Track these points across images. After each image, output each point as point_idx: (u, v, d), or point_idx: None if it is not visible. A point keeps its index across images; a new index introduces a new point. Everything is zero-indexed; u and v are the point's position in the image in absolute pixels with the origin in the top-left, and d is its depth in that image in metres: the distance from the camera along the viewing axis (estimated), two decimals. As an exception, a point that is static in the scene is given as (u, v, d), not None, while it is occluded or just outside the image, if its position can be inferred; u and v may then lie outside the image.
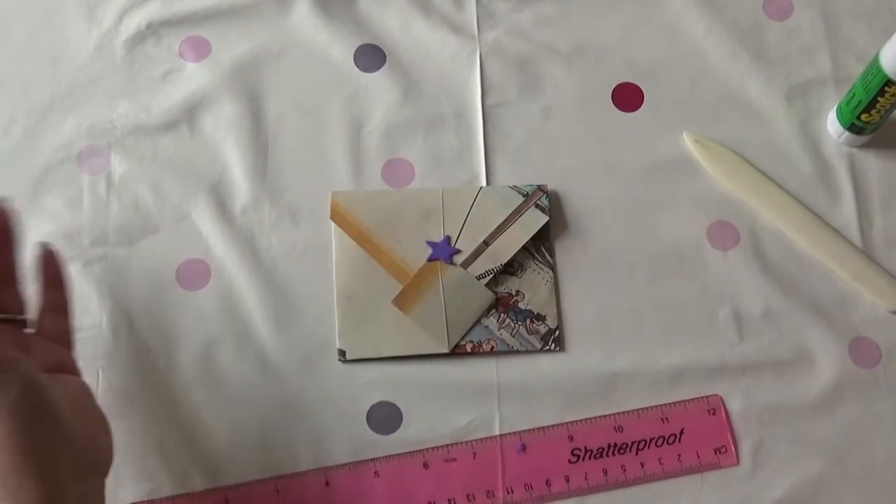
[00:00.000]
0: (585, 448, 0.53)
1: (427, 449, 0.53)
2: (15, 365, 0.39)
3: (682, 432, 0.53)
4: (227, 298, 0.56)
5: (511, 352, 0.55)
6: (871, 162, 0.60)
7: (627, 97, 0.62)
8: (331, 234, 0.57)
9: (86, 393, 0.45)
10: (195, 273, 0.56)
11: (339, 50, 0.62)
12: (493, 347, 0.54)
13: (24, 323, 0.44)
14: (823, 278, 0.57)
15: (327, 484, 0.52)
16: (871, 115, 0.57)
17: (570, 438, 0.53)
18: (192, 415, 0.53)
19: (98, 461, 0.43)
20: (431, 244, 0.56)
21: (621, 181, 0.59)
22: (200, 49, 0.62)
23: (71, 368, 0.45)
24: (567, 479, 0.52)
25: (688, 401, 0.54)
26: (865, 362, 0.55)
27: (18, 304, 0.44)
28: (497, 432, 0.53)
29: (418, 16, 0.63)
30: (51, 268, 0.47)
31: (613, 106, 0.62)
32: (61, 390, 0.41)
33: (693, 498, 0.52)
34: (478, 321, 0.55)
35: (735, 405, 0.54)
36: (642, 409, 0.54)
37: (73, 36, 0.62)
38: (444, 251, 0.56)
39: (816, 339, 0.56)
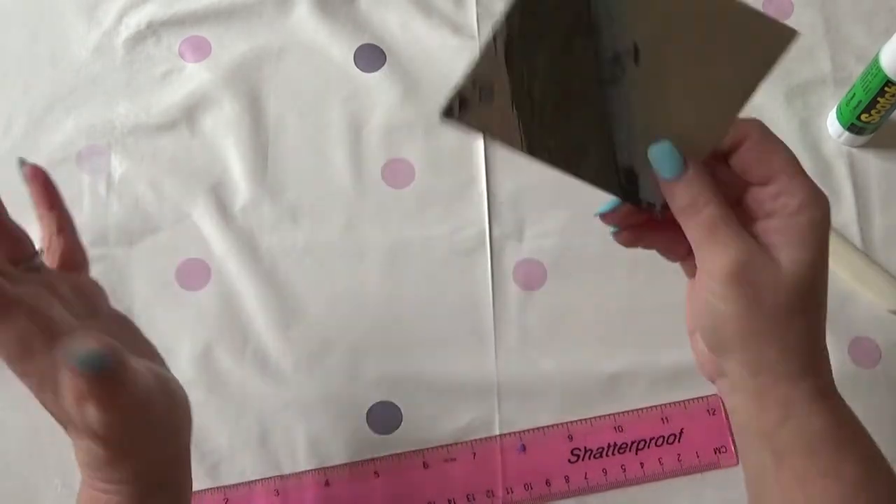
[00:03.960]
0: (585, 448, 0.53)
1: (427, 449, 0.53)
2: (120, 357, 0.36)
3: (681, 432, 0.53)
4: (227, 298, 0.56)
5: None
6: (871, 162, 0.60)
7: (627, 97, 0.62)
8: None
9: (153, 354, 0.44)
10: (195, 273, 0.56)
11: (339, 50, 0.62)
12: None
13: (37, 258, 0.41)
14: (823, 278, 0.57)
15: (327, 484, 0.52)
16: (871, 116, 0.56)
17: (570, 438, 0.53)
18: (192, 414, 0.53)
19: (176, 420, 0.41)
20: None
21: (621, 181, 0.59)
22: (200, 49, 0.62)
23: (98, 293, 0.44)
24: (567, 479, 0.52)
25: (688, 401, 0.54)
26: (865, 362, 0.55)
27: (25, 246, 0.41)
28: (497, 432, 0.53)
29: (418, 16, 0.63)
30: (47, 186, 0.44)
31: (613, 106, 0.61)
32: (139, 363, 0.39)
33: (693, 498, 0.52)
34: None
35: (735, 405, 0.54)
36: (642, 409, 0.54)
37: (73, 36, 0.62)
38: None
39: (816, 339, 0.56)
